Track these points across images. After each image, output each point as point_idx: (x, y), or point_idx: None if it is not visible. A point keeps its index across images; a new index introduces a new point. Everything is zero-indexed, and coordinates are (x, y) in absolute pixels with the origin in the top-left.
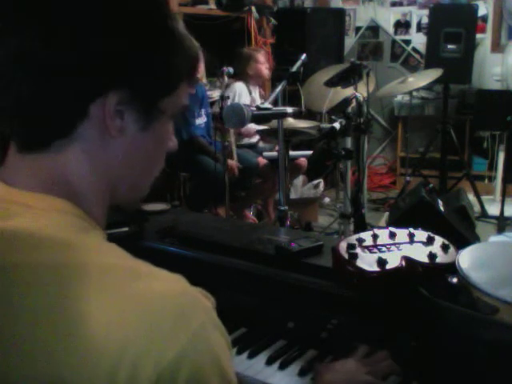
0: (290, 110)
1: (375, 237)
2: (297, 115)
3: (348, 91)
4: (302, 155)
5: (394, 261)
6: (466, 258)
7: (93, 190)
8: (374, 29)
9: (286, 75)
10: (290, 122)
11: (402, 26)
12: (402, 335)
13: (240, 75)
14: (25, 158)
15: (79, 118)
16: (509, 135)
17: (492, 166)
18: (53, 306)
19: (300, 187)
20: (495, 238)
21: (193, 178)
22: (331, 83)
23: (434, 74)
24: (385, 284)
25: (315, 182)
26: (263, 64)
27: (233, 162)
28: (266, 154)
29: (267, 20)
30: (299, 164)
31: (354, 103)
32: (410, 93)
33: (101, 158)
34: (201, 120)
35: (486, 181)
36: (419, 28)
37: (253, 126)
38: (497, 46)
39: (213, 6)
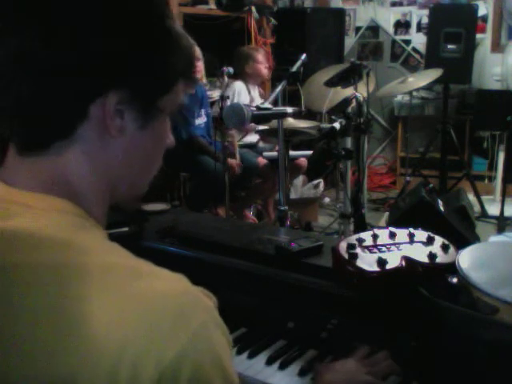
0: (289, 109)
1: (375, 237)
2: (297, 115)
3: (348, 91)
4: (302, 155)
5: (394, 261)
6: (466, 258)
7: (93, 189)
8: (374, 29)
9: (286, 75)
10: (290, 121)
11: (402, 25)
12: (401, 335)
13: (239, 74)
14: (24, 159)
15: (79, 119)
16: (509, 135)
17: (492, 166)
18: (53, 306)
19: (300, 187)
20: (495, 238)
21: (193, 178)
22: (331, 83)
23: (434, 73)
24: (385, 284)
25: (315, 182)
26: (262, 63)
27: (233, 161)
28: (265, 154)
29: (267, 20)
30: (299, 164)
31: (354, 103)
32: (410, 93)
33: (100, 157)
34: (201, 120)
35: (486, 181)
36: (419, 28)
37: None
38: (497, 46)
39: (213, 5)
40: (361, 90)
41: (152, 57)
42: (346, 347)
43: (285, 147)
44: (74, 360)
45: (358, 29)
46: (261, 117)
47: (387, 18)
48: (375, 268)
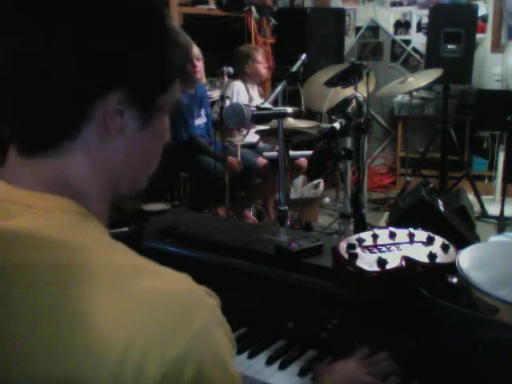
0: (290, 109)
1: (375, 237)
2: (297, 115)
3: (348, 91)
4: (302, 155)
5: (394, 261)
6: (466, 258)
7: (94, 188)
8: (374, 29)
9: (286, 75)
10: (290, 121)
11: (402, 25)
12: (401, 335)
13: (238, 74)
14: (25, 159)
15: (79, 119)
16: (509, 135)
17: (492, 166)
18: (53, 306)
19: (300, 187)
20: (495, 238)
21: (193, 178)
22: (331, 83)
23: (434, 73)
24: (385, 284)
25: (315, 182)
26: (261, 63)
27: (233, 158)
28: (266, 153)
29: (267, 20)
30: (299, 164)
31: (353, 103)
32: (410, 93)
33: (101, 157)
34: (200, 120)
35: (486, 181)
36: (419, 28)
37: None
38: (497, 46)
39: (213, 5)
40: (361, 90)
41: (152, 56)
42: (346, 347)
43: (285, 147)
44: (77, 360)
45: (358, 29)
46: (261, 117)
47: (387, 18)
48: (375, 268)
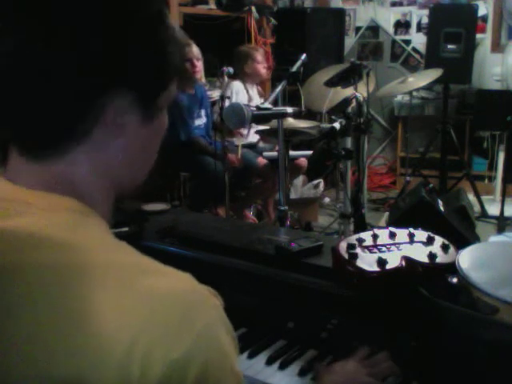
0: (290, 109)
1: (375, 237)
2: (297, 115)
3: (348, 91)
4: (302, 155)
5: (394, 261)
6: (466, 258)
7: (97, 187)
8: (374, 29)
9: (286, 75)
10: (290, 121)
11: (402, 25)
12: (401, 335)
13: (238, 74)
14: (26, 160)
15: (80, 119)
16: (509, 135)
17: (492, 166)
18: (54, 306)
19: (300, 187)
20: (495, 238)
21: (193, 178)
22: (331, 83)
23: (434, 74)
24: (385, 284)
25: (315, 181)
26: (261, 63)
27: (233, 155)
28: (266, 154)
29: (267, 20)
30: (299, 164)
31: (354, 103)
32: (410, 93)
33: (103, 157)
34: (200, 121)
35: (486, 181)
36: (419, 28)
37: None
38: (497, 46)
39: (213, 5)
40: (361, 90)
41: (152, 56)
42: (346, 347)
43: (285, 147)
44: (78, 360)
45: (358, 29)
46: (261, 117)
47: (387, 18)
48: (375, 268)
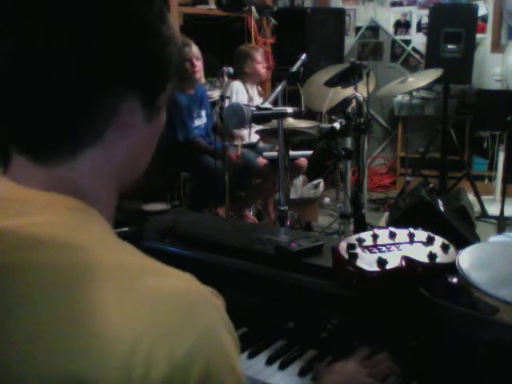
0: (290, 109)
1: (375, 237)
2: (297, 115)
3: (348, 91)
4: (302, 155)
5: (394, 261)
6: (466, 258)
7: (101, 187)
8: (374, 29)
9: (286, 75)
10: (290, 121)
11: (402, 26)
12: (401, 335)
13: (238, 74)
14: (27, 160)
15: (80, 120)
16: (509, 135)
17: (492, 166)
18: (55, 306)
19: (300, 187)
20: (495, 238)
21: (193, 178)
22: (331, 83)
23: (434, 74)
24: (385, 284)
25: (315, 181)
26: (261, 63)
27: (233, 153)
28: (266, 154)
29: (267, 20)
30: (299, 164)
31: (354, 103)
32: (410, 93)
33: (106, 157)
34: (200, 121)
35: (486, 181)
36: (419, 28)
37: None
38: (497, 46)
39: (213, 5)
40: (361, 90)
41: (152, 55)
42: (346, 347)
43: (285, 147)
44: (80, 360)
45: (358, 29)
46: (261, 117)
47: (387, 18)
48: (375, 268)
